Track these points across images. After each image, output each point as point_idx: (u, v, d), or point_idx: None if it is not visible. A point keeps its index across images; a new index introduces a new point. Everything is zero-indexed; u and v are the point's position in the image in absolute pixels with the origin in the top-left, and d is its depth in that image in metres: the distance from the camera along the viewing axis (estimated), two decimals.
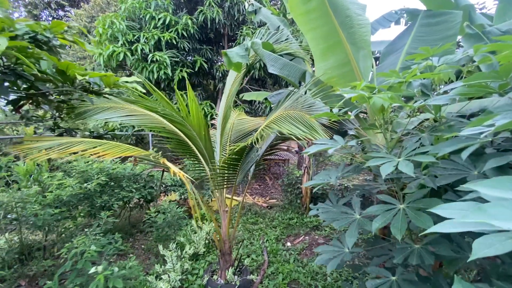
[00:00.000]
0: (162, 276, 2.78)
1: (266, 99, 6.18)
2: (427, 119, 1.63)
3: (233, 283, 2.97)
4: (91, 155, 1.74)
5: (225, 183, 2.70)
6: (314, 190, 5.83)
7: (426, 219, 1.06)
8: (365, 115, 2.37)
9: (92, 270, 2.02)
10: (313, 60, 2.72)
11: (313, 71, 2.84)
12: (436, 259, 1.20)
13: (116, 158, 4.44)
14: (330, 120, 1.95)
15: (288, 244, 4.56)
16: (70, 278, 2.12)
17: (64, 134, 2.34)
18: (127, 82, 2.05)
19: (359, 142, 1.73)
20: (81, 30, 2.14)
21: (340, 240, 1.57)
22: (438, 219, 0.70)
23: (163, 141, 2.70)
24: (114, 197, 3.81)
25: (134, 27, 7.24)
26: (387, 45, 2.80)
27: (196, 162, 2.71)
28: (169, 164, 1.91)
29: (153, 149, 5.87)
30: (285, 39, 2.97)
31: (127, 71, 7.82)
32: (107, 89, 2.00)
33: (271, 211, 6.23)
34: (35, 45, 1.59)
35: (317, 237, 4.88)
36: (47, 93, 2.04)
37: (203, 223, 4.15)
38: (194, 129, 2.41)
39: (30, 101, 2.25)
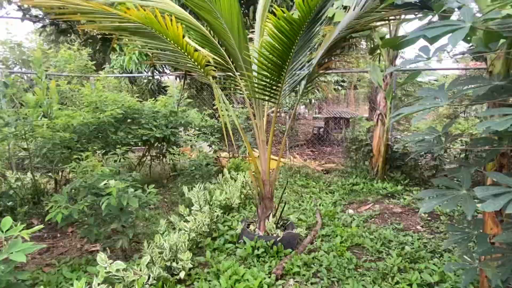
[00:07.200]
0: (188, 218, 2.92)
1: None
2: None
3: (274, 235, 2.99)
4: None
5: (264, 92, 2.63)
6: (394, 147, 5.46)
7: None
8: None
9: (103, 183, 2.19)
10: None
11: None
12: None
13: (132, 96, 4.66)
14: None
15: (350, 211, 4.43)
16: (81, 195, 2.33)
17: None
18: None
19: None
20: None
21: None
22: None
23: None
24: (131, 135, 4.05)
25: None
26: None
27: (225, 67, 2.67)
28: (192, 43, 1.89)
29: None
30: None
31: None
32: None
33: (327, 176, 6.09)
34: None
35: (391, 205, 4.64)
36: None
37: (237, 173, 4.23)
38: (224, 16, 2.34)
39: None
